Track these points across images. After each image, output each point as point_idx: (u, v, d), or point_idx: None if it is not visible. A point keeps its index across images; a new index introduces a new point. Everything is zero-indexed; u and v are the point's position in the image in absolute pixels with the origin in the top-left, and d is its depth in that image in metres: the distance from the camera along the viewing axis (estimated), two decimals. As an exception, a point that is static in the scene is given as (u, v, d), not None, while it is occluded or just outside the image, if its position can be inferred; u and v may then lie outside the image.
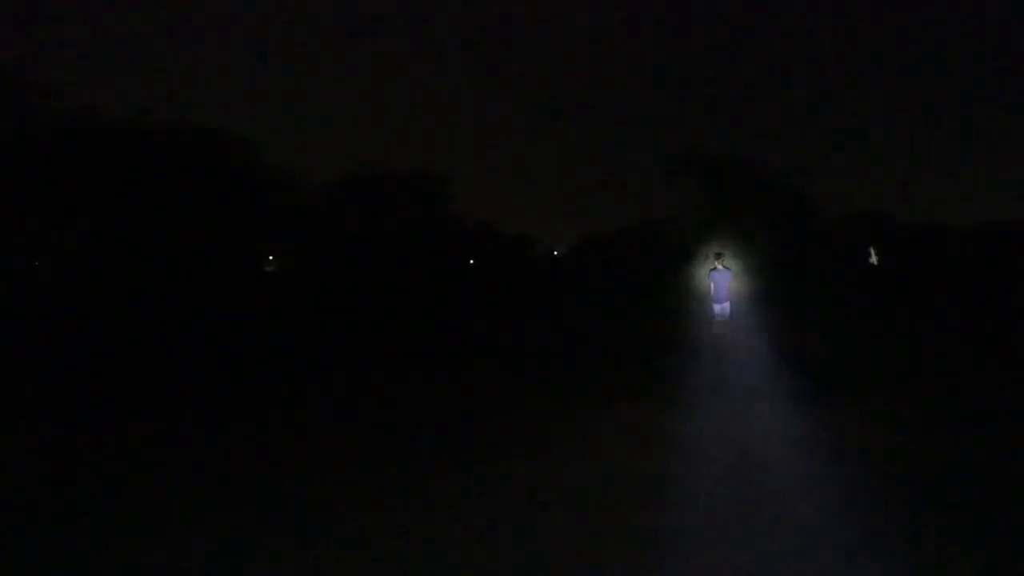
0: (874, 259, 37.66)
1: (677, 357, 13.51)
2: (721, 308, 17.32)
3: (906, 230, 42.78)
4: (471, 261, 47.94)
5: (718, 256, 17.55)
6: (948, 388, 10.45)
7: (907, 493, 5.98)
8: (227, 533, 5.37)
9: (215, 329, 18.81)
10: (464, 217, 42.30)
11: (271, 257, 39.37)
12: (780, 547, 4.94)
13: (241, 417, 9.34)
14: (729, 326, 17.25)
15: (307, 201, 33.46)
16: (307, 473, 6.87)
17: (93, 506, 6.01)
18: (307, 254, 34.41)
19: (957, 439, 7.64)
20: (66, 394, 10.84)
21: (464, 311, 25.22)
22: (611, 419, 8.78)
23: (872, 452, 7.18)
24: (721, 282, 17.25)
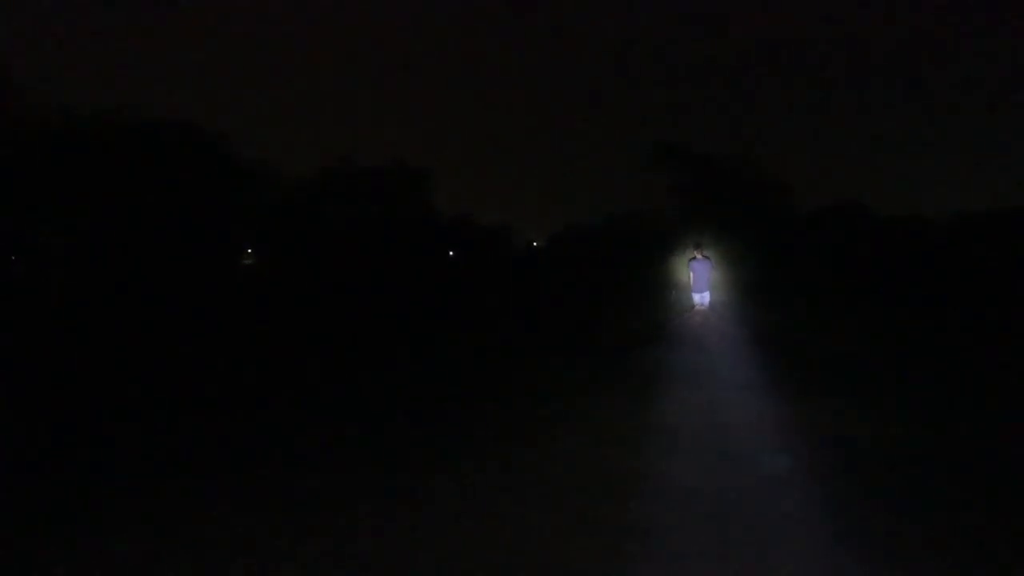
0: None
1: (656, 347, 13.53)
2: (700, 297, 17.42)
3: (882, 221, 43.06)
4: (450, 253, 47.86)
5: (697, 246, 17.65)
6: (929, 377, 10.53)
7: (889, 483, 6.02)
8: (216, 530, 5.33)
9: (191, 323, 18.68)
10: (443, 209, 42.28)
11: (248, 251, 39.14)
12: (761, 541, 4.96)
13: (221, 413, 9.25)
14: (709, 315, 17.35)
15: (285, 194, 33.28)
16: (283, 468, 6.83)
17: (76, 506, 5.95)
18: (285, 248, 34.23)
19: (942, 428, 7.69)
20: (45, 391, 10.72)
21: (443, 303, 25.16)
22: (589, 411, 8.76)
23: (854, 441, 7.22)
24: (700, 272, 17.34)
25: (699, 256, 17.31)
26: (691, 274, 17.40)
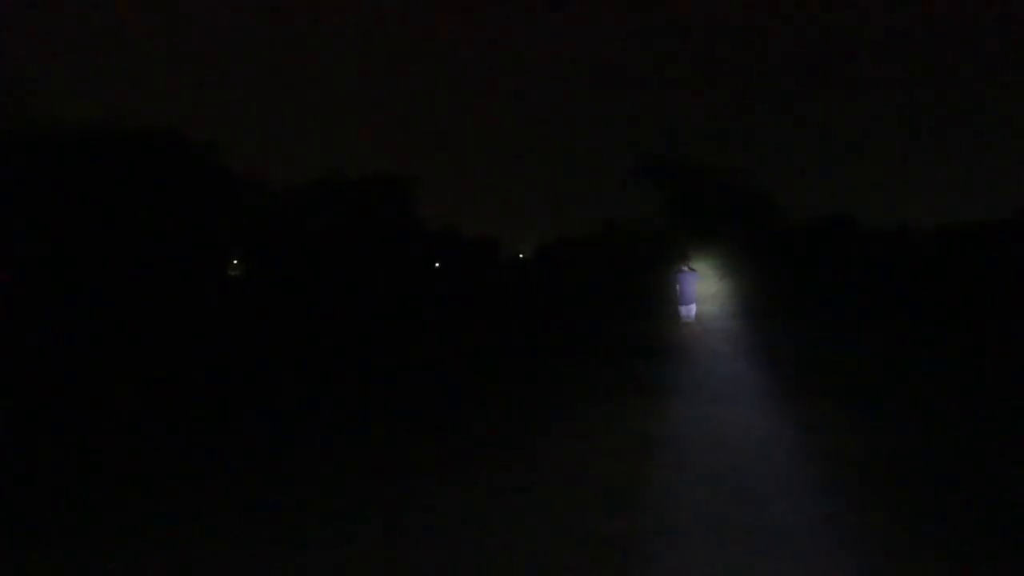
0: None
1: (644, 359, 13.54)
2: (687, 309, 17.45)
3: (869, 232, 43.28)
4: (437, 264, 47.87)
5: (685, 258, 17.70)
6: (917, 386, 10.57)
7: (881, 492, 6.02)
8: (211, 538, 5.30)
9: (179, 332, 18.60)
10: (431, 220, 42.35)
11: (235, 261, 39.09)
12: (757, 548, 4.96)
13: (212, 423, 9.20)
14: (696, 326, 17.38)
15: (273, 205, 33.26)
16: (275, 477, 6.79)
17: (69, 515, 5.90)
18: (273, 258, 34.15)
19: (932, 437, 7.72)
20: (32, 400, 10.64)
21: (431, 314, 25.15)
22: (580, 422, 8.76)
23: (844, 451, 7.23)
24: (688, 283, 17.37)
25: (686, 268, 17.34)
26: (678, 286, 17.41)
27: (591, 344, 16.32)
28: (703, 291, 17.95)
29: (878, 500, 5.83)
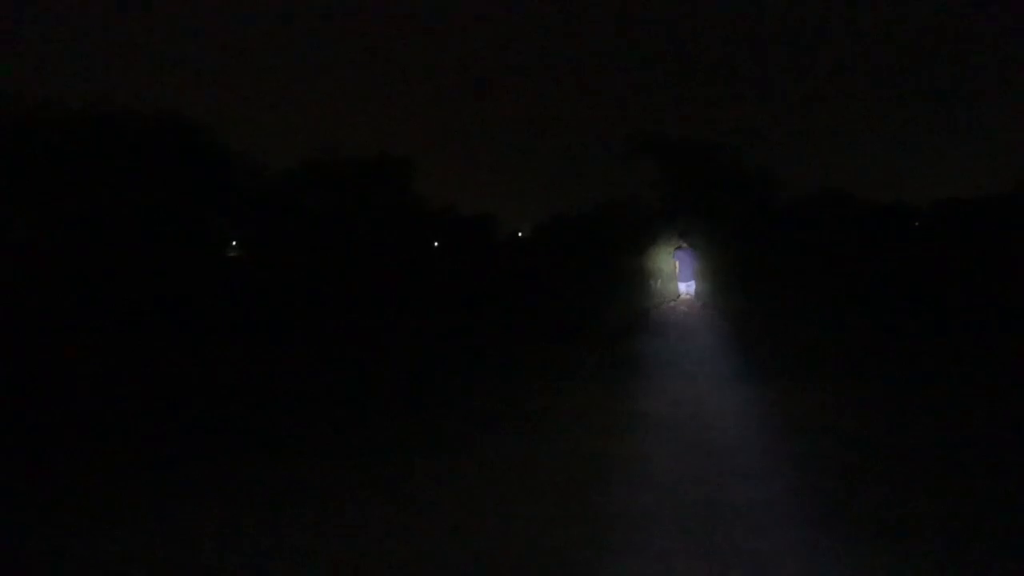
0: None
1: (642, 336, 13.52)
2: (685, 286, 17.43)
3: (868, 208, 43.16)
4: (436, 243, 47.75)
5: (682, 236, 17.66)
6: (912, 366, 10.56)
7: (871, 471, 6.03)
8: (199, 522, 5.28)
9: (176, 316, 18.56)
10: (428, 199, 42.14)
11: (234, 243, 38.97)
12: (747, 527, 4.95)
13: (205, 405, 9.18)
14: (693, 304, 17.36)
15: (270, 186, 33.11)
16: (268, 460, 6.78)
17: (58, 500, 5.88)
18: (271, 240, 34.04)
19: (921, 418, 7.72)
20: (26, 386, 10.62)
21: (428, 293, 25.09)
22: (575, 399, 8.76)
23: (836, 431, 7.23)
24: (685, 261, 17.34)
25: (684, 245, 17.30)
26: (676, 263, 17.37)
27: (590, 321, 16.30)
28: (700, 269, 17.92)
29: (873, 476, 5.84)
